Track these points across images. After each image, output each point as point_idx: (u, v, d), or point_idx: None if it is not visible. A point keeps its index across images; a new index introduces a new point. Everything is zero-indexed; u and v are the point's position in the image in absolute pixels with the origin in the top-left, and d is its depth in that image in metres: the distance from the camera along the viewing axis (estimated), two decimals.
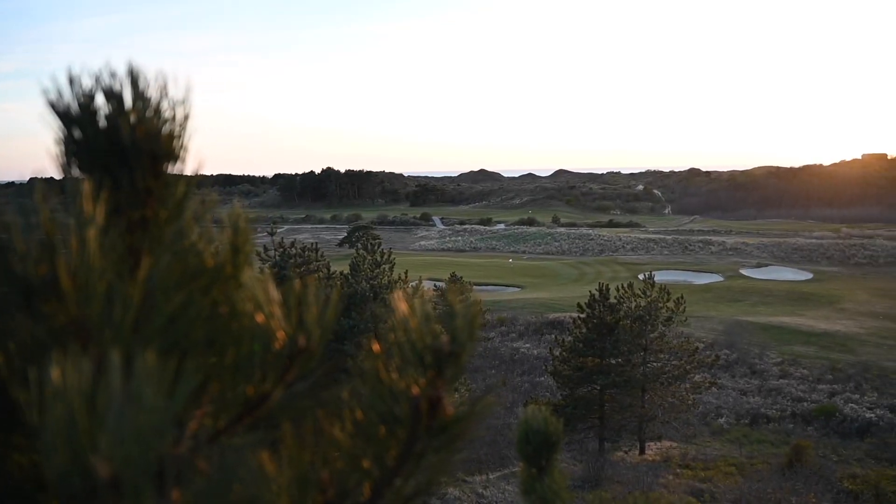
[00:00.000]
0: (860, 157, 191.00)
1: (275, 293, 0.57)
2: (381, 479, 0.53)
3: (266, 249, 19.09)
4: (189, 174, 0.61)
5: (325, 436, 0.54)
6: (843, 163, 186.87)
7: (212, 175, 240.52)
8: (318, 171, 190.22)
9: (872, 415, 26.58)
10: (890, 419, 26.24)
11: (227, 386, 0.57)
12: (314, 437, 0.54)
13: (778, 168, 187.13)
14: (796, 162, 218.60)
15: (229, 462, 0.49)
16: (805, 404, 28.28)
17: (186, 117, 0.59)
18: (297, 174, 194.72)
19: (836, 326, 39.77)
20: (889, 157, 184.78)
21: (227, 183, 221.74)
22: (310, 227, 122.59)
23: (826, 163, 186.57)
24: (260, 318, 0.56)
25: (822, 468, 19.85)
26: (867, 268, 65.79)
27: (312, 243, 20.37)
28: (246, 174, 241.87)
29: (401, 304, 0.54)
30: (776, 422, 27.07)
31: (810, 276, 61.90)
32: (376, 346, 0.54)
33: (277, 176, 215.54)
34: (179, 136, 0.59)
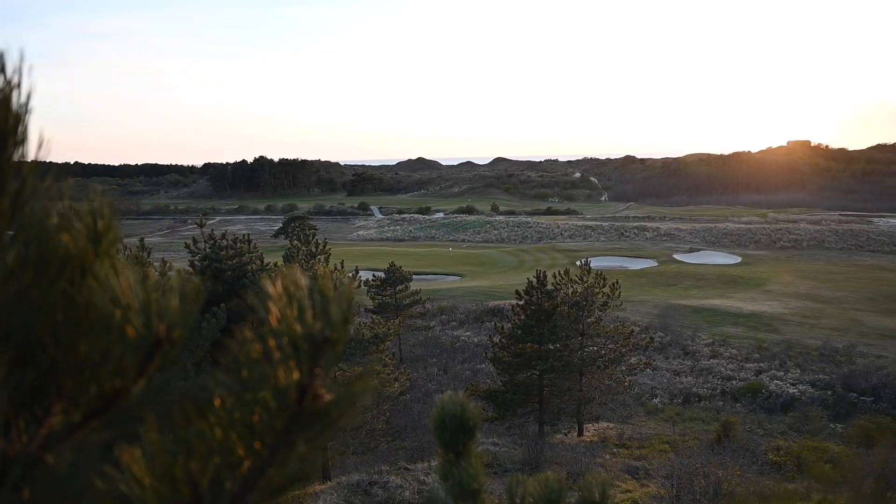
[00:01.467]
0: (785, 144, 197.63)
1: (130, 283, 0.55)
2: (253, 470, 0.53)
3: (195, 242, 18.62)
4: (36, 160, 0.56)
5: (194, 428, 0.52)
6: (769, 150, 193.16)
7: (136, 165, 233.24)
8: (250, 159, 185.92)
9: (795, 390, 27.81)
10: (811, 394, 27.50)
11: (81, 380, 0.55)
12: (183, 430, 0.52)
13: (709, 155, 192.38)
14: (726, 149, 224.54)
15: (86, 459, 0.49)
16: (734, 382, 29.37)
17: (28, 97, 0.54)
18: (228, 163, 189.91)
19: (763, 307, 41.33)
20: (812, 145, 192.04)
21: (152, 173, 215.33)
22: (243, 218, 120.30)
23: (754, 150, 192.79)
24: (114, 308, 0.54)
25: (748, 442, 20.67)
26: (792, 251, 68.49)
27: (245, 235, 19.96)
28: (174, 164, 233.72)
29: (274, 290, 0.53)
30: (707, 400, 28.03)
31: (739, 259, 64.05)
32: (249, 334, 0.53)
33: (207, 165, 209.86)
34: (17, 120, 0.54)
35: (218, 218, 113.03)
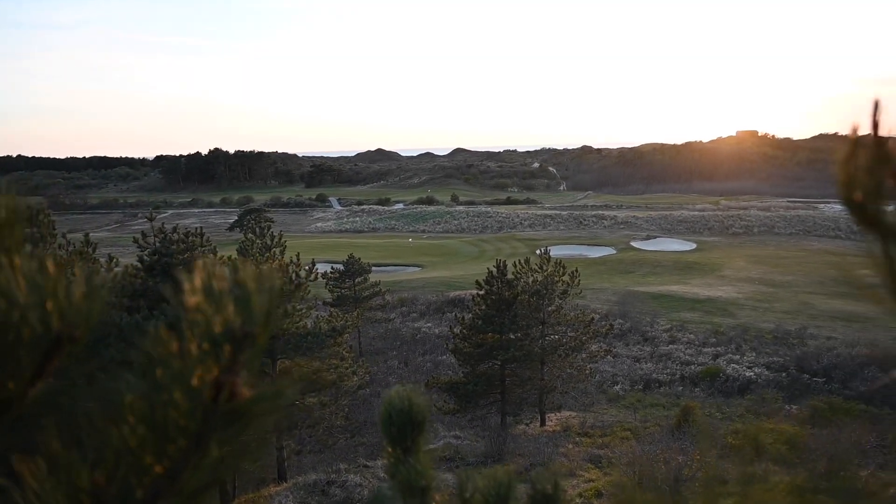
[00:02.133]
0: (735, 134, 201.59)
1: (27, 278, 0.50)
2: (164, 476, 0.48)
3: (145, 236, 17.93)
4: None
5: (100, 433, 0.48)
6: (720, 139, 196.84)
7: (84, 158, 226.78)
8: (204, 151, 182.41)
9: (751, 373, 28.28)
10: (766, 376, 27.99)
11: None
12: (88, 436, 0.48)
13: (663, 145, 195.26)
14: (679, 139, 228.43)
15: None
16: (692, 367, 29.72)
17: None
18: (181, 155, 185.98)
19: (718, 293, 41.99)
20: (759, 134, 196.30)
21: (101, 166, 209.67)
22: (197, 211, 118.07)
23: (706, 140, 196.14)
24: (8, 306, 0.50)
25: (708, 426, 20.90)
26: (744, 237, 69.80)
27: (198, 228, 19.33)
28: (124, 156, 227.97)
29: (192, 283, 0.50)
30: (667, 385, 28.32)
31: (694, 246, 65.06)
32: (164, 331, 0.49)
33: (160, 158, 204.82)
34: None
35: (170, 211, 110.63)
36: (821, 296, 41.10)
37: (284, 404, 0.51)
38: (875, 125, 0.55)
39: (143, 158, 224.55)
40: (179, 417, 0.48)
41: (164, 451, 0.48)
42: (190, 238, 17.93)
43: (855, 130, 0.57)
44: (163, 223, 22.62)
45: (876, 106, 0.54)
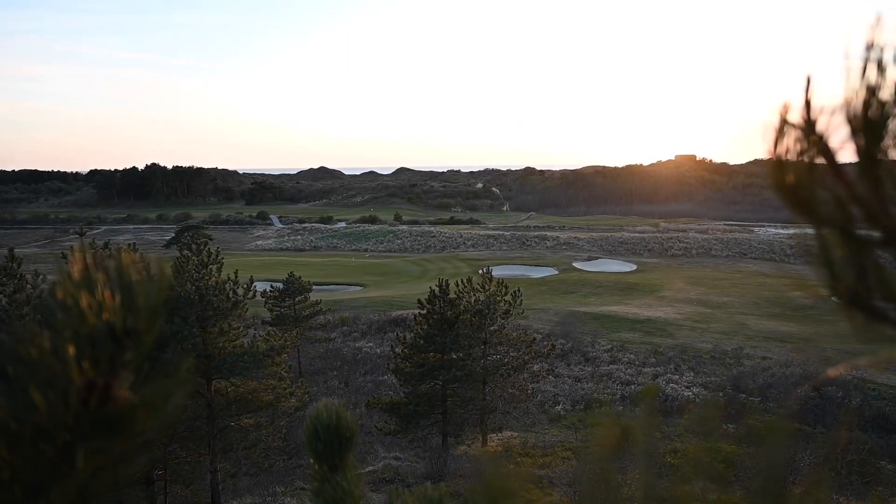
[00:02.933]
0: (674, 158, 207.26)
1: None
2: (26, 492, 0.43)
3: (74, 252, 17.30)
4: None
5: None
6: (659, 163, 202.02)
7: (12, 171, 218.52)
8: (141, 166, 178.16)
9: (690, 392, 28.74)
10: (704, 395, 28.47)
11: None
12: None
13: (604, 167, 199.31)
14: (620, 162, 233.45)
15: None
16: (632, 387, 30.05)
17: None
18: (116, 170, 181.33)
19: (658, 313, 42.72)
20: (697, 159, 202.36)
21: (31, 179, 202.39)
22: (132, 227, 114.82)
23: (645, 163, 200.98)
24: None
25: (647, 446, 21.08)
26: (682, 258, 71.45)
27: (132, 244, 18.72)
28: (56, 170, 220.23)
29: (66, 275, 0.46)
30: (608, 405, 28.53)
31: (634, 267, 66.22)
32: (33, 327, 0.45)
33: (94, 172, 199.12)
34: None
35: (104, 227, 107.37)
36: (755, 316, 42.23)
37: (172, 409, 0.47)
38: (807, 104, 0.52)
39: (76, 173, 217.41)
40: (44, 424, 0.42)
41: (25, 464, 0.42)
42: (112, 253, 17.30)
43: (785, 110, 0.54)
44: (94, 239, 21.83)
45: (807, 83, 0.52)
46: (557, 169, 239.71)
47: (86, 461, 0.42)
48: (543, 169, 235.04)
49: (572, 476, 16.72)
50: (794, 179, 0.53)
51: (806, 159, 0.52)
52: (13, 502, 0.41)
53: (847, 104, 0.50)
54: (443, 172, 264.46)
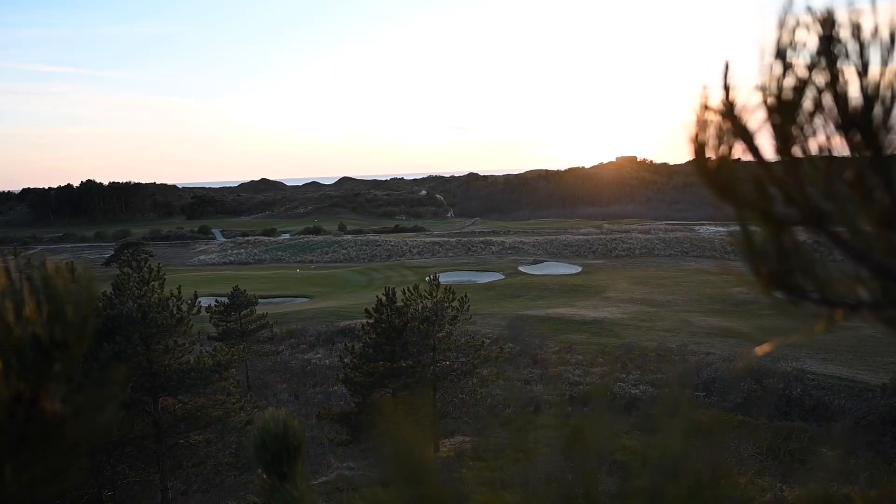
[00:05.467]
0: (615, 160, 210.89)
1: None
2: None
3: (8, 272, 16.72)
4: None
5: None
6: (601, 165, 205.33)
7: None
8: (76, 184, 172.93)
9: (637, 391, 29.25)
10: (651, 393, 29.01)
11: None
12: None
13: (547, 171, 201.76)
14: (563, 165, 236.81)
15: None
16: (581, 387, 30.41)
17: None
18: (50, 188, 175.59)
19: (604, 314, 43.39)
20: (638, 160, 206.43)
21: None
22: (69, 246, 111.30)
23: (587, 165, 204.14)
24: None
25: (597, 444, 21.39)
26: (626, 259, 72.81)
27: (70, 263, 18.20)
28: None
29: None
30: (557, 406, 28.81)
31: (580, 269, 67.15)
32: None
33: (27, 191, 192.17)
34: None
35: (40, 247, 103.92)
36: (698, 313, 43.26)
37: (104, 420, 0.45)
38: (725, 88, 0.53)
39: (9, 192, 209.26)
40: None
41: None
42: (36, 264, 16.77)
43: (705, 95, 0.54)
44: (29, 259, 21.05)
45: (726, 68, 0.53)
46: (501, 174, 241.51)
47: (15, 476, 0.41)
48: (487, 174, 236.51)
49: (525, 477, 16.84)
50: (715, 163, 0.54)
51: (725, 143, 0.53)
52: None
53: (763, 86, 0.51)
54: (386, 180, 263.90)
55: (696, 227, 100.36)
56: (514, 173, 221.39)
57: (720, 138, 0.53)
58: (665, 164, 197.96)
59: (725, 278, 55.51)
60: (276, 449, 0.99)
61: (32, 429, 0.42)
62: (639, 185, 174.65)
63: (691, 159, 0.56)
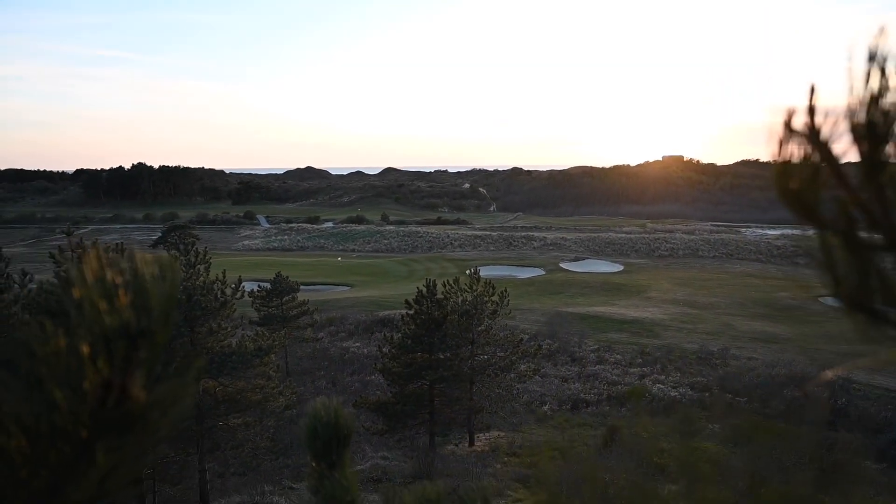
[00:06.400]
0: (661, 159, 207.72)
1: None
2: (44, 490, 0.42)
3: (62, 251, 17.17)
4: None
5: None
6: (646, 164, 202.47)
7: None
8: (127, 166, 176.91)
9: (676, 393, 28.88)
10: (690, 396, 28.62)
11: None
12: None
13: (591, 168, 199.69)
14: (607, 162, 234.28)
15: None
16: (619, 387, 30.16)
17: None
18: (102, 170, 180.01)
19: (644, 314, 42.90)
20: (685, 159, 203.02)
21: (17, 179, 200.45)
22: (119, 227, 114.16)
23: (632, 163, 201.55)
24: None
25: (633, 446, 21.20)
26: (669, 259, 71.80)
27: (119, 244, 18.62)
28: (42, 169, 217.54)
29: (81, 274, 0.46)
30: (594, 405, 28.63)
31: (621, 267, 66.46)
32: (49, 326, 0.45)
33: (80, 171, 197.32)
34: None
35: (91, 227, 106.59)
36: (742, 317, 42.48)
37: (183, 409, 0.48)
38: (810, 110, 0.53)
39: (63, 172, 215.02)
40: (63, 422, 0.42)
41: (44, 461, 0.42)
42: (110, 253, 17.23)
43: (789, 116, 0.54)
44: (82, 238, 21.68)
45: (811, 91, 0.53)
46: (545, 169, 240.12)
47: (104, 458, 0.43)
48: (531, 169, 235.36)
49: (559, 475, 16.79)
50: (799, 185, 0.54)
51: (810, 165, 0.54)
52: (33, 499, 0.42)
53: (850, 110, 0.51)
54: (430, 172, 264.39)
55: (742, 230, 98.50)
56: (559, 169, 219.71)
57: (804, 160, 0.54)
58: (712, 165, 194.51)
59: (770, 282, 54.35)
60: (326, 438, 1.00)
61: (120, 414, 0.44)
62: (684, 184, 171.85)
63: (774, 183, 0.57)
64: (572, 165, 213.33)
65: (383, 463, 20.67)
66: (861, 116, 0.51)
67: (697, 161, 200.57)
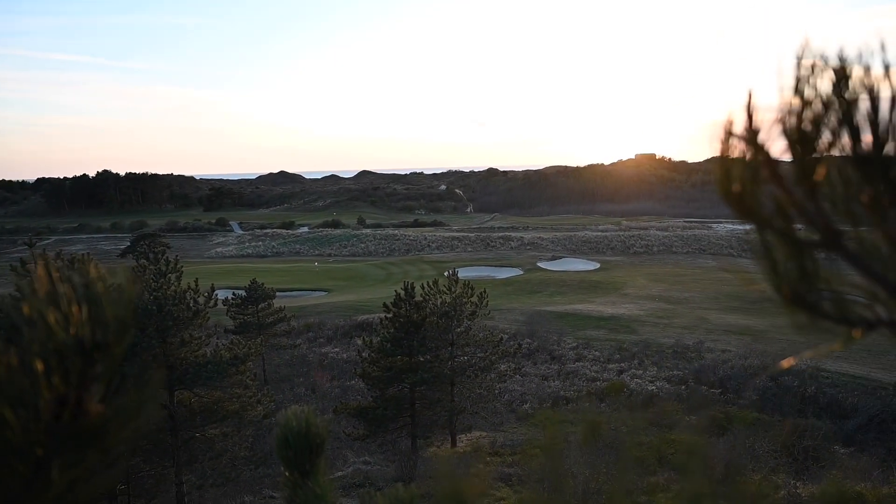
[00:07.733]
0: (634, 157, 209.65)
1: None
2: None
3: (24, 264, 16.78)
4: None
5: None
6: (620, 162, 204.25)
7: None
8: (92, 174, 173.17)
9: (654, 387, 29.16)
10: (668, 389, 28.92)
11: None
12: None
13: (566, 167, 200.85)
14: (582, 162, 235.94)
15: None
16: (598, 383, 30.37)
17: None
18: (66, 178, 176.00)
19: (621, 310, 43.24)
20: (657, 157, 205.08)
21: None
22: (85, 237, 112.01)
23: (606, 162, 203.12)
24: None
25: (613, 440, 21.34)
26: (644, 256, 72.43)
27: (85, 255, 18.32)
28: (0, 179, 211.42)
29: (31, 288, 0.45)
30: (574, 402, 28.78)
31: (598, 265, 66.90)
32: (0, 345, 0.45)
33: (42, 180, 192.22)
34: None
35: (54, 238, 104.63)
36: (715, 311, 42.99)
37: (145, 421, 0.47)
38: (749, 116, 0.56)
39: (23, 181, 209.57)
40: (17, 440, 0.41)
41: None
42: (76, 264, 16.95)
43: (729, 123, 0.57)
44: (44, 249, 21.29)
45: (749, 97, 0.55)
46: (520, 169, 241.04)
47: (60, 475, 0.42)
48: (507, 170, 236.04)
49: (541, 473, 16.85)
50: (740, 187, 0.57)
51: (749, 165, 0.57)
52: None
53: (783, 118, 0.53)
54: (405, 175, 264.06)
55: (714, 225, 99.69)
56: (534, 169, 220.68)
57: (743, 163, 0.56)
58: (684, 162, 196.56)
59: (742, 276, 54.90)
60: (298, 446, 1.01)
61: (76, 430, 0.43)
62: (657, 182, 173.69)
63: (718, 183, 0.60)
64: (547, 165, 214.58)
65: (365, 468, 20.62)
66: (792, 122, 0.53)
67: (669, 159, 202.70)
